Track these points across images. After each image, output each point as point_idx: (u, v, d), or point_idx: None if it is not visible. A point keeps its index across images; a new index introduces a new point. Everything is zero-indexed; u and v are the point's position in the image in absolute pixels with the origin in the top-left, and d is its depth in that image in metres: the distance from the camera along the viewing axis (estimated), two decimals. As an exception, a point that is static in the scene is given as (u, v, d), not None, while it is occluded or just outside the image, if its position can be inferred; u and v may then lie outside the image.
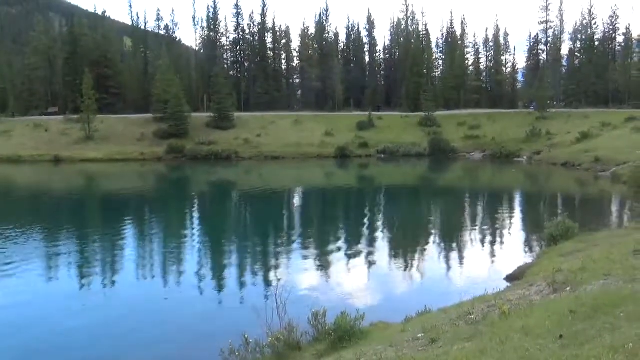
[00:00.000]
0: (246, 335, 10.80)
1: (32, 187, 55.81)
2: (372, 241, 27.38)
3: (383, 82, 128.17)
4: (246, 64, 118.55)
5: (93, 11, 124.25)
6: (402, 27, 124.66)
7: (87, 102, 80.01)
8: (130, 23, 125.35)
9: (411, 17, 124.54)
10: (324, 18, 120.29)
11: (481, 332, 7.97)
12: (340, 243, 27.00)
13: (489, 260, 22.66)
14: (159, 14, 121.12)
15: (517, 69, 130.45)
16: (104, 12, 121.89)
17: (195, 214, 38.96)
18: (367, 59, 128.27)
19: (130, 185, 55.08)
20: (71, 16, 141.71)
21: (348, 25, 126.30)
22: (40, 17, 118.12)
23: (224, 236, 29.64)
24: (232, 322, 15.53)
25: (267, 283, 19.74)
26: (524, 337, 6.83)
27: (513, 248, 24.75)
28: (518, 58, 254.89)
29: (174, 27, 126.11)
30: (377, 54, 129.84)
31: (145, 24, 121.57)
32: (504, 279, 18.31)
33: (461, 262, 22.48)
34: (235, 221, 35.74)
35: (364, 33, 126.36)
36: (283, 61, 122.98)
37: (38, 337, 15.14)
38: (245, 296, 18.36)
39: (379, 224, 33.70)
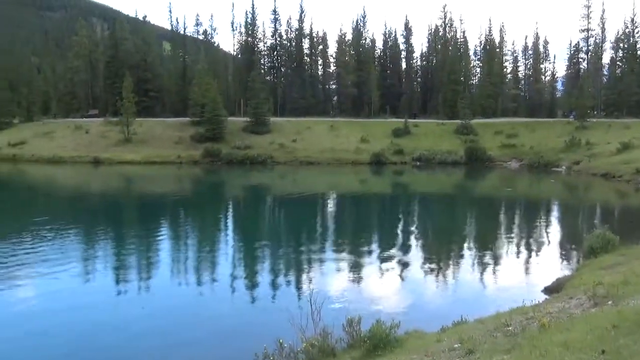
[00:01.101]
0: (281, 340, 10.82)
1: (71, 187, 56.96)
2: (406, 249, 27.21)
3: (419, 89, 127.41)
4: (283, 69, 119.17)
5: (134, 16, 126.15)
6: (440, 34, 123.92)
7: (127, 105, 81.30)
8: (169, 28, 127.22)
9: (449, 24, 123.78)
10: (361, 24, 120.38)
11: (520, 344, 7.85)
12: (374, 250, 26.90)
13: (526, 272, 22.31)
14: (198, 19, 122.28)
15: (557, 77, 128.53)
16: (144, 17, 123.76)
17: (230, 218, 39.23)
18: (403, 65, 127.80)
19: (166, 187, 55.80)
20: (112, 21, 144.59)
21: (385, 32, 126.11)
22: (82, 21, 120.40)
23: (257, 240, 29.76)
24: (266, 326, 15.58)
25: (301, 288, 19.77)
26: (564, 352, 6.71)
27: (551, 260, 24.32)
28: (558, 66, 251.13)
29: (213, 32, 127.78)
30: (414, 61, 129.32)
31: (185, 28, 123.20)
32: (542, 291, 18.01)
33: (497, 273, 22.20)
34: (269, 226, 35.88)
35: (401, 39, 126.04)
36: (319, 67, 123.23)
37: (67, 336, 15.43)
38: (279, 301, 18.40)
39: (414, 231, 33.48)
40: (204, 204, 46.12)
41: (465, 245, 28.64)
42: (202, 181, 63.85)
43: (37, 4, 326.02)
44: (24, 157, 77.41)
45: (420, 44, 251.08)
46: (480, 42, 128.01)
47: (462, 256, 25.49)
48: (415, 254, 26.03)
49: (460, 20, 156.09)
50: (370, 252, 26.19)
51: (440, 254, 26.10)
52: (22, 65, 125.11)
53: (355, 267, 22.84)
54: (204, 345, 14.69)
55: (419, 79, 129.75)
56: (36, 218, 35.05)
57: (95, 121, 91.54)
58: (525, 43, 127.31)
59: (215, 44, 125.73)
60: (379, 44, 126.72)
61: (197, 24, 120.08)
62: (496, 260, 24.42)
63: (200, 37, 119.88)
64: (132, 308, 17.75)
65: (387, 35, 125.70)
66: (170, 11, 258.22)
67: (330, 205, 45.55)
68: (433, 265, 23.75)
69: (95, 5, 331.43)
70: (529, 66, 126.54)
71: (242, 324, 16.40)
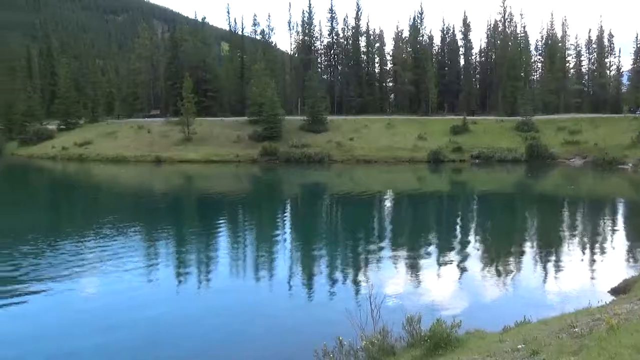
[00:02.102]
0: (340, 338, 10.80)
1: (135, 186, 58.57)
2: (465, 247, 26.82)
3: (478, 86, 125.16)
4: (339, 68, 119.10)
5: (193, 18, 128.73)
6: (500, 29, 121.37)
7: (187, 105, 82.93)
8: (227, 29, 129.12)
9: (509, 19, 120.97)
10: (418, 21, 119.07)
11: (587, 346, 7.62)
12: (433, 248, 26.64)
13: (591, 272, 21.65)
14: (255, 20, 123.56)
15: (622, 71, 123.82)
16: (203, 19, 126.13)
17: (288, 216, 39.51)
18: (462, 62, 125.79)
19: (225, 186, 56.65)
20: (173, 23, 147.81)
21: (443, 28, 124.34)
22: (144, 24, 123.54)
23: (315, 238, 29.88)
24: (325, 323, 15.63)
25: (359, 287, 19.75)
26: (635, 354, 6.48)
27: (617, 260, 23.53)
28: (623, 60, 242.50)
29: (270, 32, 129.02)
30: (473, 57, 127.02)
31: (242, 29, 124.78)
32: (608, 292, 17.46)
33: (560, 273, 21.63)
34: (326, 224, 35.96)
35: (459, 36, 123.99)
36: (376, 65, 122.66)
37: (131, 331, 15.85)
38: (338, 299, 18.43)
39: (473, 230, 32.98)
40: (262, 202, 46.63)
41: (527, 244, 28.01)
42: (260, 179, 64.54)
43: (102, 8, 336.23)
44: (89, 157, 80.00)
45: (479, 40, 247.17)
46: (542, 36, 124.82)
47: (523, 256, 24.94)
48: (474, 253, 25.61)
49: (521, 14, 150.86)
50: (428, 251, 25.95)
51: (501, 254, 25.61)
52: (87, 68, 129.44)
53: (414, 266, 22.66)
54: (264, 341, 14.87)
55: (477, 76, 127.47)
56: (101, 216, 36.19)
57: (156, 121, 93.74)
58: (589, 37, 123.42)
59: (273, 44, 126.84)
60: (437, 40, 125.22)
61: (254, 24, 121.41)
62: (559, 260, 23.80)
63: (258, 37, 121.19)
64: (192, 305, 18.11)
65: (445, 32, 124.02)
66: (228, 12, 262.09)
67: (388, 204, 45.31)
68: (493, 265, 23.33)
69: (156, 8, 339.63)
70: (592, 60, 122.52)
71: (301, 321, 16.52)
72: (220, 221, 35.76)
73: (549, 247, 26.67)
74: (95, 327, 16.01)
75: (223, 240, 29.25)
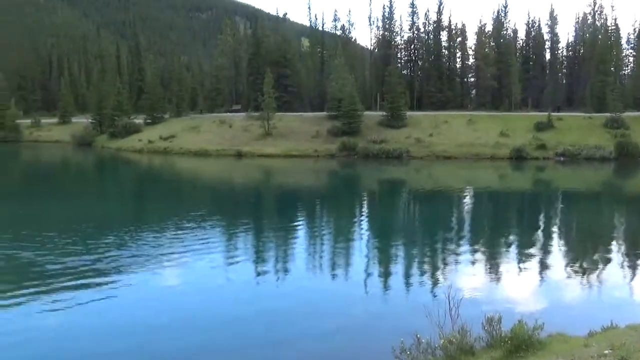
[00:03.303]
0: (418, 335, 10.71)
1: (215, 179, 60.09)
2: (547, 248, 26.01)
3: (564, 81, 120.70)
4: (420, 63, 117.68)
5: (275, 14, 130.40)
6: (589, 21, 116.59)
7: (267, 101, 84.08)
8: (308, 24, 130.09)
9: (599, 12, 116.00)
10: (502, 14, 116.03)
11: (681, 355, 7.23)
12: (513, 248, 25.99)
13: (685, 277, 20.53)
14: (336, 15, 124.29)
15: None
16: (284, 15, 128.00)
17: (365, 211, 39.47)
18: (547, 56, 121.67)
19: (304, 180, 57.24)
20: (255, 19, 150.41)
21: (528, 22, 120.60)
22: (227, 20, 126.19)
23: (392, 234, 29.76)
24: (402, 320, 15.55)
25: (437, 284, 19.51)
26: None
27: None
28: None
29: (350, 27, 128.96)
30: (559, 51, 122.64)
31: (323, 24, 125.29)
32: None
33: (651, 277, 20.62)
34: (403, 220, 35.73)
35: (545, 29, 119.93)
36: (458, 60, 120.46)
37: (208, 322, 16.28)
38: (415, 295, 18.30)
39: (556, 230, 31.95)
40: (340, 197, 46.80)
41: (614, 246, 26.86)
42: (338, 174, 64.76)
43: (187, 6, 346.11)
44: (173, 150, 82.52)
45: (566, 34, 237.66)
46: (634, 29, 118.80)
47: (610, 258, 23.92)
48: (558, 254, 24.80)
49: (612, 6, 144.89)
50: (508, 250, 25.33)
51: (585, 255, 24.69)
52: (172, 64, 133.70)
53: (493, 264, 22.19)
54: (339, 336, 14.95)
55: (564, 70, 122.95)
56: (183, 209, 37.41)
57: (238, 116, 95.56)
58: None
59: (353, 39, 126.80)
60: (521, 34, 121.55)
61: (335, 20, 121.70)
62: (650, 263, 22.68)
63: (338, 32, 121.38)
64: (268, 298, 18.40)
65: (530, 25, 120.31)
66: (309, 8, 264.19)
67: (467, 201, 44.48)
68: (577, 267, 22.51)
69: (239, 5, 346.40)
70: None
71: (378, 317, 16.48)
72: (299, 215, 36.15)
73: (638, 250, 25.47)
74: (174, 316, 16.56)
75: (301, 234, 29.56)
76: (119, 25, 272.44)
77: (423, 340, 10.70)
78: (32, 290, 18.26)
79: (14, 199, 41.76)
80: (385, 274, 21.16)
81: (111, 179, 61.59)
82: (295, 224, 32.64)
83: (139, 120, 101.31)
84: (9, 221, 31.46)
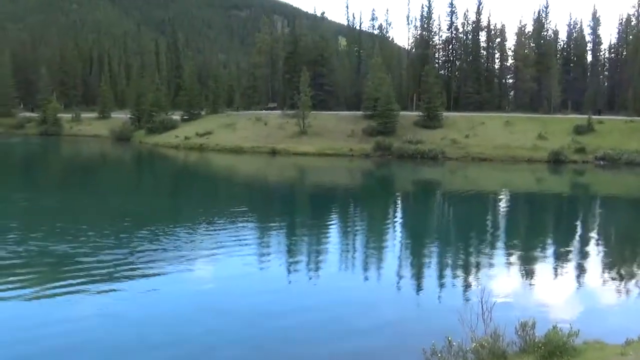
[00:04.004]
0: (449, 338, 10.57)
1: (250, 176, 60.41)
2: (584, 253, 25.48)
3: (606, 84, 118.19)
4: (457, 63, 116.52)
5: (313, 13, 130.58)
6: (632, 23, 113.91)
7: (303, 99, 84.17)
8: (345, 23, 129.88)
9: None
10: (543, 15, 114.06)
11: None
12: (549, 252, 25.53)
13: None
14: (373, 14, 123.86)
15: None
16: (322, 14, 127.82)
17: (398, 212, 39.23)
18: (589, 58, 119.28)
19: (338, 179, 57.17)
20: (293, 18, 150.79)
21: (570, 23, 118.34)
22: (265, 19, 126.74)
23: (426, 236, 29.52)
24: (433, 322, 15.41)
25: (470, 288, 19.27)
26: None
27: None
28: None
29: (388, 26, 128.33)
30: (601, 53, 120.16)
31: (360, 24, 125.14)
32: None
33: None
34: (438, 222, 35.41)
35: (587, 30, 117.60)
36: (496, 60, 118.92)
37: (240, 316, 16.34)
38: (447, 297, 18.10)
39: (594, 235, 31.26)
40: (373, 197, 46.61)
41: (655, 253, 26.15)
42: (373, 174, 64.54)
43: (226, 4, 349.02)
44: (209, 146, 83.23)
45: (608, 35, 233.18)
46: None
47: (650, 265, 23.30)
48: (595, 260, 24.27)
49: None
50: (544, 254, 24.90)
51: (624, 262, 24.12)
52: (210, 61, 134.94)
53: (528, 269, 21.82)
54: (372, 336, 14.90)
55: (605, 73, 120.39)
56: (217, 204, 37.75)
57: (273, 114, 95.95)
58: None
59: (390, 38, 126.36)
60: (562, 35, 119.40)
61: (372, 19, 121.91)
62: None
63: (376, 31, 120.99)
64: (299, 297, 18.41)
65: (571, 26, 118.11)
66: (347, 7, 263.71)
67: (503, 204, 43.87)
68: (615, 273, 22.01)
69: (277, 4, 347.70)
70: None
71: (409, 318, 16.36)
72: (332, 214, 36.10)
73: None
74: (206, 307, 16.72)
75: (333, 233, 29.51)
76: (158, 22, 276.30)
77: (454, 343, 10.57)
78: (64, 282, 18.62)
79: (52, 192, 42.75)
80: (418, 276, 20.97)
81: (147, 175, 62.45)
82: (329, 223, 32.61)
83: (176, 116, 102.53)
84: (45, 214, 32.12)
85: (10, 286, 18.14)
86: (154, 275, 19.84)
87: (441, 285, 19.71)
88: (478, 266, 22.47)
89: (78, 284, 18.44)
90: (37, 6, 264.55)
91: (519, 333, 11.11)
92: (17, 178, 54.72)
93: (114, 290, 18.10)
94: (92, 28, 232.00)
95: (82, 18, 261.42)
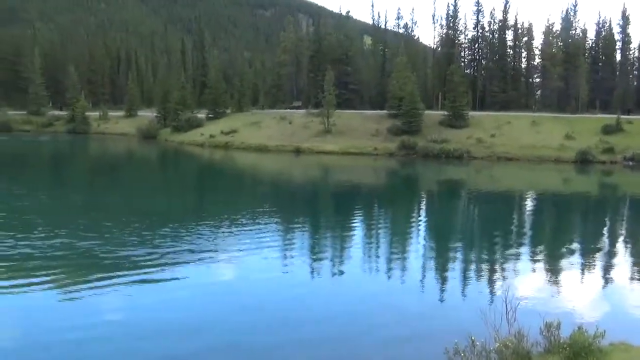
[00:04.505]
0: (472, 337, 10.54)
1: (274, 174, 60.61)
2: (611, 254, 25.15)
3: (635, 83, 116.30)
4: (483, 62, 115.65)
5: (338, 12, 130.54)
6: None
7: (328, 98, 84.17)
8: (370, 22, 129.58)
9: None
10: (571, 14, 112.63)
11: None
12: (575, 253, 25.25)
13: None
14: (399, 13, 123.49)
15: None
16: (347, 12, 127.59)
17: (423, 212, 39.08)
18: (618, 57, 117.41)
19: (362, 178, 57.09)
20: (318, 17, 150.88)
21: (598, 21, 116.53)
22: (290, 17, 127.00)
23: (450, 235, 29.38)
24: (456, 321, 15.35)
25: (494, 286, 19.18)
26: None
27: None
28: None
29: (413, 25, 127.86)
30: (631, 52, 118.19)
31: (386, 22, 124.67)
32: None
33: None
34: (462, 221, 35.19)
35: (616, 29, 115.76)
36: (523, 59, 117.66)
37: (265, 311, 16.44)
38: (471, 298, 18.03)
39: (622, 236, 30.84)
40: (398, 196, 46.49)
41: (684, 255, 25.69)
42: (397, 173, 64.35)
43: (251, 3, 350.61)
44: (234, 145, 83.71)
45: (638, 34, 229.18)
46: None
47: (679, 267, 22.90)
48: (622, 261, 23.97)
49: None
50: (569, 255, 24.64)
51: (653, 264, 23.70)
52: (236, 60, 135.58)
53: (553, 269, 21.63)
54: (394, 334, 14.87)
55: (635, 72, 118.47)
56: (241, 203, 37.96)
57: (298, 112, 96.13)
58: None
59: (415, 37, 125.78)
60: (591, 34, 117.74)
61: (398, 18, 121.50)
62: None
63: (401, 30, 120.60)
64: (324, 296, 18.45)
65: (600, 25, 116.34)
66: (372, 6, 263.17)
67: (529, 204, 43.48)
68: (643, 275, 21.67)
69: (302, 2, 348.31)
70: None
71: (432, 318, 16.34)
72: (355, 213, 36.07)
73: None
74: (232, 302, 16.93)
75: (357, 232, 29.51)
76: (185, 21, 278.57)
77: (478, 343, 10.52)
78: (88, 278, 18.99)
79: (79, 189, 43.43)
80: (441, 275, 20.90)
81: (173, 172, 63.01)
82: (352, 222, 32.59)
83: (201, 114, 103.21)
84: (71, 211, 32.64)
85: (35, 280, 18.47)
86: (178, 272, 19.99)
87: (465, 285, 19.63)
88: (502, 266, 22.31)
89: (101, 279, 18.76)
90: (66, 6, 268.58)
91: (543, 333, 11.05)
92: (46, 175, 55.68)
93: (138, 286, 18.31)
94: (120, 27, 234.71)
95: (110, 17, 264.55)
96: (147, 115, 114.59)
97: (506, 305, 11.42)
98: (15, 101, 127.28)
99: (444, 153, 73.38)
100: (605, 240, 28.76)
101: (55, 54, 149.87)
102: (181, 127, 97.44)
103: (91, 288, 17.84)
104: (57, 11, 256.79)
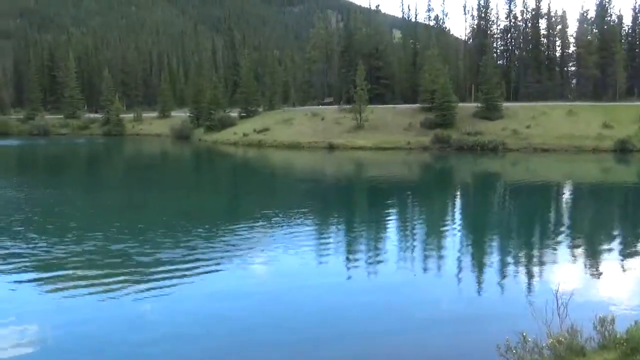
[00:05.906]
0: (524, 334, 10.29)
1: (308, 171, 60.63)
2: (661, 246, 24.45)
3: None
4: (517, 53, 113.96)
5: (367, 6, 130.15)
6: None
7: (359, 93, 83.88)
8: (400, 16, 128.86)
9: None
10: (606, 0, 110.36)
11: None
12: (622, 245, 24.62)
13: None
14: (429, 5, 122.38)
15: None
16: (377, 7, 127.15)
17: (458, 205, 38.69)
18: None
19: (397, 173, 56.75)
20: (347, 12, 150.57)
21: (634, 6, 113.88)
22: (319, 14, 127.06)
23: (488, 229, 28.98)
24: (506, 317, 15.12)
25: (543, 281, 18.86)
26: None
27: None
28: None
29: (444, 17, 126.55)
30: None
31: (416, 15, 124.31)
32: None
33: None
34: (500, 214, 34.68)
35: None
36: (557, 48, 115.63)
37: (297, 310, 16.43)
38: (519, 293, 17.72)
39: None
40: (433, 190, 46.10)
41: None
42: (431, 167, 63.82)
43: (280, 1, 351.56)
44: (267, 143, 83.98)
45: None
46: None
47: None
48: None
49: None
50: (618, 247, 24.06)
51: None
52: (266, 58, 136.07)
53: (604, 263, 21.14)
54: (441, 331, 14.70)
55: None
56: (275, 200, 38.21)
57: (329, 108, 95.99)
58: None
59: (446, 29, 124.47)
60: (627, 20, 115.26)
61: (428, 10, 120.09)
62: None
63: (431, 23, 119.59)
64: (361, 292, 18.27)
65: (636, 10, 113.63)
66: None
67: (568, 195, 42.67)
68: (695, 266, 21.02)
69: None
70: None
71: (480, 314, 16.08)
72: (390, 208, 35.83)
73: None
74: (263, 300, 17.03)
75: (392, 227, 29.29)
76: (214, 21, 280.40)
77: (530, 339, 10.27)
78: (123, 278, 19.12)
79: (115, 190, 44.09)
80: (484, 270, 20.59)
81: (207, 172, 63.47)
82: (387, 217, 32.35)
83: (233, 113, 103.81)
84: (106, 212, 33.04)
85: (70, 284, 18.63)
86: (213, 272, 19.98)
87: (512, 280, 19.29)
88: (547, 259, 21.86)
89: (139, 282, 18.91)
90: (98, 10, 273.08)
91: (597, 329, 10.73)
92: (83, 176, 56.66)
93: (174, 287, 18.32)
94: (151, 29, 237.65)
95: (141, 19, 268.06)
96: (180, 115, 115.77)
97: (557, 300, 11.12)
98: (52, 105, 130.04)
99: (479, 145, 72.52)
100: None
101: (89, 58, 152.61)
102: (214, 126, 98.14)
103: (132, 292, 17.82)
104: (89, 16, 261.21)
